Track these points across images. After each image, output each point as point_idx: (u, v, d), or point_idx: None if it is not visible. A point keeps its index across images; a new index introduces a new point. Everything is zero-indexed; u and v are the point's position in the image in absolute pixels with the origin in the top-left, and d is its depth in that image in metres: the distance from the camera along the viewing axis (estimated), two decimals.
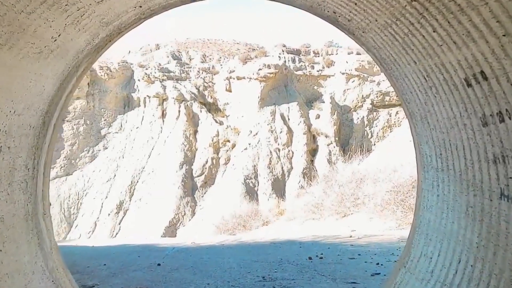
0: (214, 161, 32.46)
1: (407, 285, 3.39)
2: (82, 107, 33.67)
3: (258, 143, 32.02)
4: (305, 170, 31.61)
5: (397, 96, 4.11)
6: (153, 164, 32.81)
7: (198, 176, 31.99)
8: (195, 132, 33.81)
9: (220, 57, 46.71)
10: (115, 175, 32.86)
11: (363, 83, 36.03)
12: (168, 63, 40.25)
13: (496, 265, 2.39)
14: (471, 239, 2.67)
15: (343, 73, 35.81)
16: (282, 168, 31.62)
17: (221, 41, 58.91)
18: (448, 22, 2.39)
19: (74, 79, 3.43)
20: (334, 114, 33.36)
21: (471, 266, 2.64)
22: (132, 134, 34.39)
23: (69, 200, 31.68)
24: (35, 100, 3.00)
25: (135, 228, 29.64)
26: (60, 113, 3.52)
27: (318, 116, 33.65)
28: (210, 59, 46.70)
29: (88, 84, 34.04)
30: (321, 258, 6.45)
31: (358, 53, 40.05)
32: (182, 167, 31.76)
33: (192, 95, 35.36)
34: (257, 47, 52.10)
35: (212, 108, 35.76)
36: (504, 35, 2.05)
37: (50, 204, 3.70)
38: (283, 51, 36.86)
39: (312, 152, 33.09)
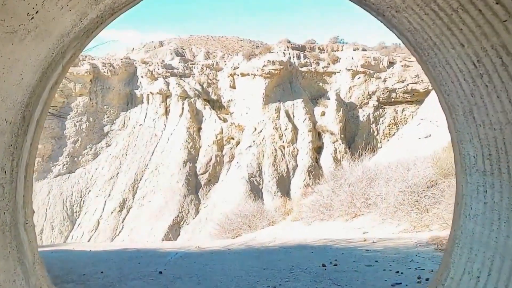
0: (218, 158, 32.02)
1: None
2: (85, 104, 33.32)
3: (262, 140, 31.56)
4: (310, 168, 31.15)
5: (430, 87, 3.51)
6: (157, 161, 32.42)
7: (202, 174, 31.58)
8: (199, 129, 33.38)
9: (224, 54, 46.26)
10: (118, 173, 32.50)
11: (369, 80, 35.45)
12: (172, 59, 39.84)
13: None
14: None
15: (348, 70, 35.23)
16: (287, 165, 31.16)
17: (225, 38, 58.51)
18: None
19: (60, 67, 2.96)
20: (339, 111, 32.81)
21: None
22: (135, 131, 34.01)
23: (71, 198, 31.36)
24: (12, 91, 2.54)
25: (138, 227, 29.32)
26: (45, 107, 3.04)
27: (323, 113, 33.12)
28: (214, 56, 46.27)
29: (90, 81, 33.71)
30: (336, 265, 5.98)
31: (363, 49, 39.48)
32: (185, 165, 31.36)
33: (196, 92, 34.91)
34: (261, 44, 51.64)
35: (216, 105, 35.30)
36: None
37: (34, 212, 3.25)
38: (287, 47, 36.30)
39: (317, 150, 32.61)
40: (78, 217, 30.96)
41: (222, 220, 17.68)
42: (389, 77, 35.48)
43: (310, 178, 30.31)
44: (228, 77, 35.39)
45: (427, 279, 5.09)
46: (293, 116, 32.72)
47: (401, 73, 35.47)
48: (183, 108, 33.64)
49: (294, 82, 34.57)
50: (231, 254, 6.70)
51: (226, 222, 16.94)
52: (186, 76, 36.55)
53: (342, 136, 32.76)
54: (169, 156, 32.08)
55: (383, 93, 35.32)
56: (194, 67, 37.92)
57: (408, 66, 36.10)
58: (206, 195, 30.96)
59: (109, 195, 31.58)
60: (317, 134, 32.77)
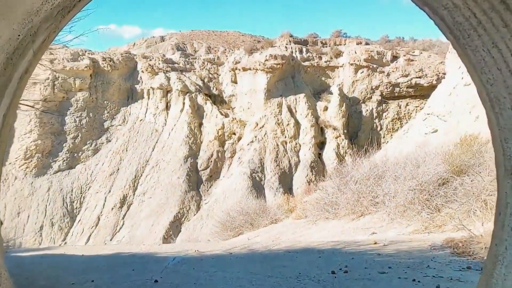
0: (219, 154, 31.61)
1: None
2: (85, 99, 32.89)
3: (264, 136, 31.12)
4: (312, 164, 30.75)
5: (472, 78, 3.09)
6: (157, 157, 32.03)
7: (203, 170, 31.19)
8: (200, 124, 32.94)
9: (225, 49, 45.76)
10: (118, 169, 32.12)
11: (372, 74, 34.90)
12: (173, 54, 39.33)
13: None
14: None
15: (351, 64, 34.67)
16: (289, 161, 30.74)
17: (226, 33, 58.02)
18: None
19: (30, 52, 2.48)
20: (342, 106, 32.29)
21: None
22: (135, 126, 33.58)
23: (71, 194, 31.00)
24: None
25: (138, 223, 28.99)
26: (13, 100, 2.57)
27: (326, 108, 32.63)
28: (215, 50, 45.77)
29: (90, 75, 33.26)
30: (346, 272, 5.52)
31: (367, 43, 38.86)
32: (186, 161, 30.97)
33: (197, 86, 34.43)
34: (263, 38, 51.08)
35: (217, 100, 34.83)
36: None
37: (2, 223, 2.80)
38: (290, 41, 35.73)
39: (320, 145, 32.18)
40: (78, 214, 30.63)
41: (223, 218, 17.27)
42: (393, 71, 34.92)
43: (312, 174, 29.95)
44: (230, 71, 34.87)
45: None
46: (295, 111, 32.24)
47: (404, 67, 34.90)
48: (184, 103, 33.19)
49: (296, 76, 34.05)
50: (232, 258, 6.25)
51: (227, 220, 16.54)
52: (187, 71, 36.05)
53: (345, 131, 32.29)
54: (170, 152, 31.68)
55: (386, 88, 34.78)
56: (195, 62, 37.42)
57: (412, 60, 35.53)
58: (207, 191, 30.58)
59: (110, 191, 31.22)
60: (320, 129, 32.31)
